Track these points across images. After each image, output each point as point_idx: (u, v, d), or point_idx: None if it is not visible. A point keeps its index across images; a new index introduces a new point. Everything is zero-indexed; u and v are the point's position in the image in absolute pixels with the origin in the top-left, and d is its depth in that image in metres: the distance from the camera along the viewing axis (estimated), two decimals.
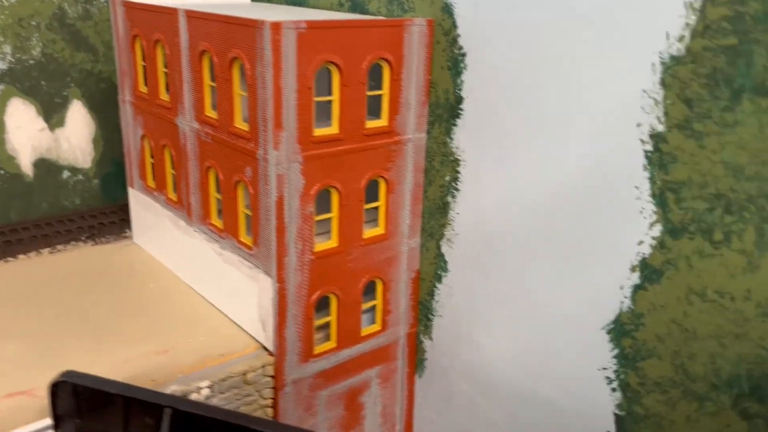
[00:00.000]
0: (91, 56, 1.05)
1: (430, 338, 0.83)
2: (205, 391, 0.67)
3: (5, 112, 0.99)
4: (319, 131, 0.67)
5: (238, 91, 0.68)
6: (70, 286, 0.85)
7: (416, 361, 0.86)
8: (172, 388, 0.66)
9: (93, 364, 0.68)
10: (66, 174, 1.07)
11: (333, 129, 0.68)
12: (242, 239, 0.73)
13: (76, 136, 1.07)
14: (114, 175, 1.12)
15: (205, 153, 0.75)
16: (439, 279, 0.80)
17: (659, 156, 0.54)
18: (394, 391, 0.86)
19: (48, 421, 0.58)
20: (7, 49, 0.98)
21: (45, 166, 1.05)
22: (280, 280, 0.68)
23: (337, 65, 0.66)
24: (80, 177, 1.09)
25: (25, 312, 0.78)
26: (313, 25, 0.62)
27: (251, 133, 0.66)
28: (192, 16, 0.72)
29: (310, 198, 0.68)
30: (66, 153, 1.07)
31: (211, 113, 0.74)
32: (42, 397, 0.63)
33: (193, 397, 0.67)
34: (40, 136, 1.04)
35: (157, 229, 0.91)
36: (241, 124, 0.69)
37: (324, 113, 0.68)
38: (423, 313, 0.83)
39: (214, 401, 0.68)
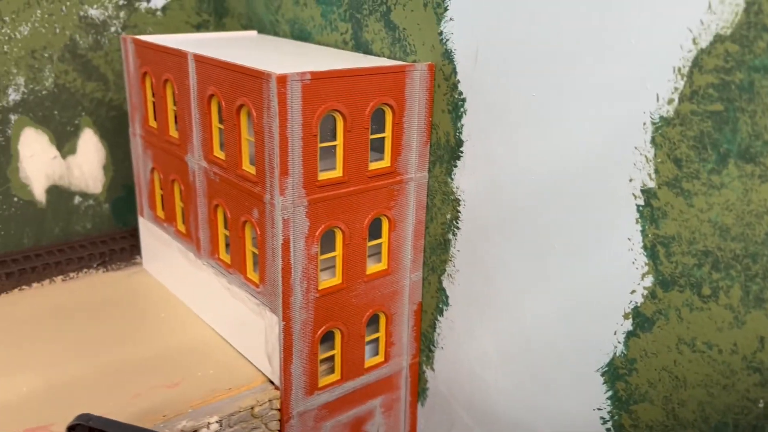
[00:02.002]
0: (102, 85, 1.07)
1: (432, 369, 0.85)
2: (214, 426, 0.70)
3: (19, 141, 1.02)
4: (324, 175, 0.69)
5: (246, 136, 0.70)
6: (83, 316, 0.87)
7: (418, 390, 0.88)
8: (182, 424, 0.68)
9: (105, 400, 0.71)
10: (77, 200, 1.10)
11: (337, 173, 0.71)
12: (249, 276, 0.76)
13: (87, 164, 1.10)
14: (124, 200, 1.15)
15: (214, 191, 0.78)
16: (440, 312, 0.82)
17: (650, 210, 0.56)
18: (397, 420, 0.88)
19: None
20: (21, 80, 1.00)
21: (57, 193, 1.08)
22: (286, 319, 0.71)
23: (341, 112, 0.68)
24: (91, 202, 1.12)
25: (39, 344, 0.81)
26: (317, 76, 0.65)
27: (258, 177, 0.69)
28: (200, 60, 0.74)
29: (315, 239, 0.70)
30: (77, 180, 1.09)
31: (219, 154, 0.76)
32: None
33: None
34: (52, 164, 1.06)
35: (166, 258, 0.93)
36: (248, 167, 0.71)
37: (329, 154, 0.70)
38: (425, 344, 0.86)
39: None
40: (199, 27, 1.16)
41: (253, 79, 0.65)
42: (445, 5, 0.71)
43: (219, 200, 0.77)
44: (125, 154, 1.12)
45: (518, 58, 0.65)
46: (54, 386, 0.73)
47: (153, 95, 0.88)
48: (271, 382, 0.75)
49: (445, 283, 0.81)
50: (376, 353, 0.84)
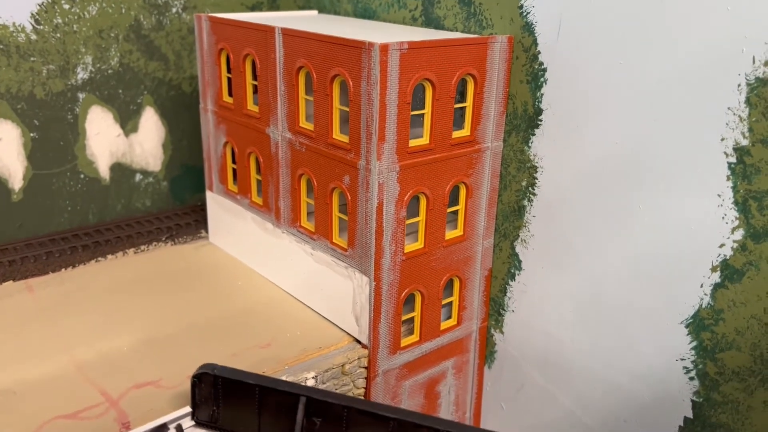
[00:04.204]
0: (163, 65, 1.10)
1: (501, 332, 0.89)
2: (311, 382, 0.73)
3: (86, 119, 1.05)
4: (414, 142, 0.73)
5: (338, 105, 0.74)
6: (163, 284, 0.91)
7: (486, 353, 0.92)
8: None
9: (205, 358, 0.74)
10: (138, 177, 1.13)
11: (425, 140, 0.74)
12: (335, 241, 0.79)
13: (148, 141, 1.13)
14: (181, 178, 1.18)
15: (299, 161, 0.81)
16: (512, 277, 0.86)
17: (743, 167, 0.59)
18: (465, 381, 0.92)
19: (186, 409, 0.63)
20: (89, 59, 1.03)
21: (120, 170, 1.10)
22: (377, 279, 0.74)
23: (431, 81, 0.71)
24: (150, 180, 1.15)
25: (129, 309, 0.84)
26: (413, 45, 0.68)
27: (351, 145, 0.72)
28: (289, 34, 0.77)
29: (404, 203, 0.74)
30: (138, 157, 1.12)
31: (305, 125, 0.79)
32: (168, 388, 0.69)
33: None
34: (117, 142, 1.09)
35: (238, 230, 0.97)
36: (339, 135, 0.74)
37: (413, 125, 0.74)
38: (494, 308, 0.89)
39: None
40: (253, 8, 1.18)
41: (352, 49, 0.69)
42: None
43: (304, 169, 0.80)
44: (182, 132, 1.15)
45: (603, 27, 0.68)
46: (151, 347, 0.76)
47: (229, 71, 0.90)
48: (358, 342, 0.79)
49: (518, 249, 0.84)
50: (449, 316, 0.87)
